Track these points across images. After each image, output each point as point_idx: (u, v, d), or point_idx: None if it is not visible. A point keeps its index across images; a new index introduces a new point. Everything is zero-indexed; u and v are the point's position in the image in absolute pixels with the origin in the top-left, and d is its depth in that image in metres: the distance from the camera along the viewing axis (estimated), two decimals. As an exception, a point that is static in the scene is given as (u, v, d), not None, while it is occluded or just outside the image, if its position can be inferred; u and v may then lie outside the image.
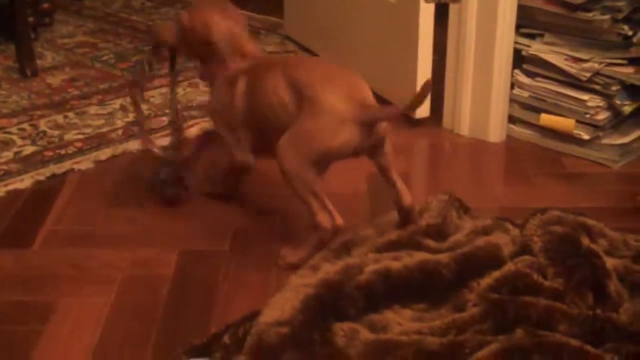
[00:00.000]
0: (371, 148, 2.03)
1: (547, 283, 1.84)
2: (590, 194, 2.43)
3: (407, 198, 2.09)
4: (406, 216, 2.12)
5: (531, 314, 1.73)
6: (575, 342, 1.65)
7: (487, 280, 1.87)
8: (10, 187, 2.46)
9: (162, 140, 2.53)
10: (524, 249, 1.98)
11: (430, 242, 2.07)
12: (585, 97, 2.58)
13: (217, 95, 2.23)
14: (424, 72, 2.80)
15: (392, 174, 2.08)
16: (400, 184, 2.09)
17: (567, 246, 1.93)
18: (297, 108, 1.99)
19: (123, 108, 3.04)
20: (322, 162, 1.99)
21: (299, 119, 1.97)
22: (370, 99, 2.01)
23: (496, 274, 1.88)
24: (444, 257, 1.94)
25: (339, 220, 2.02)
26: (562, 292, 1.81)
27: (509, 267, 1.89)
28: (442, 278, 1.90)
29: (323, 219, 2.01)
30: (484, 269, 1.91)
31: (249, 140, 2.18)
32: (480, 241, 2.03)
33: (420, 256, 1.97)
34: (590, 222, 2.07)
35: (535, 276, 1.85)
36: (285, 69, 2.05)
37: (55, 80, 3.36)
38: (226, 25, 2.19)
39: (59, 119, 2.95)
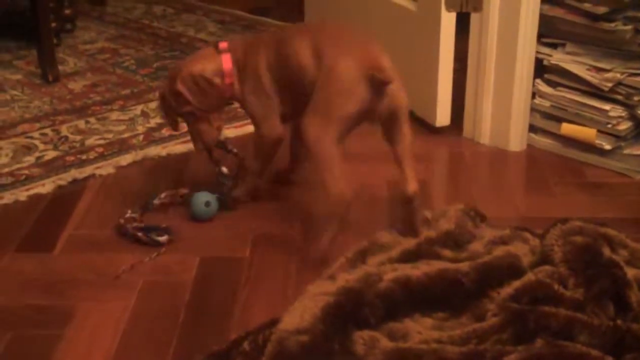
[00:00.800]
0: (388, 119, 2.07)
1: (567, 293, 1.83)
2: (611, 205, 2.41)
3: (412, 186, 2.10)
4: (407, 204, 2.12)
5: (551, 324, 1.73)
6: (595, 353, 1.65)
7: (507, 290, 1.86)
8: (32, 192, 2.47)
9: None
10: (544, 259, 1.97)
11: (448, 252, 2.06)
12: (607, 107, 2.57)
13: (240, 71, 2.26)
14: (444, 80, 2.80)
15: (405, 158, 2.10)
16: (409, 171, 2.10)
17: (588, 256, 1.93)
18: (318, 73, 2.08)
19: (144, 114, 3.05)
20: (341, 126, 2.04)
21: (317, 89, 2.05)
22: (385, 64, 2.04)
23: (516, 283, 1.87)
24: (463, 266, 1.94)
25: (348, 191, 2.04)
26: (582, 303, 1.81)
27: (529, 277, 1.88)
28: (462, 287, 1.89)
29: (334, 189, 2.03)
30: (504, 279, 1.91)
31: (278, 105, 2.25)
32: (500, 251, 2.03)
33: (439, 265, 1.96)
34: (612, 232, 2.06)
35: (555, 286, 1.85)
36: (313, 35, 2.15)
37: (77, 85, 3.37)
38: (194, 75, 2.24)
39: (81, 124, 2.97)
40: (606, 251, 1.96)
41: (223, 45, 2.28)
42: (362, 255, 2.05)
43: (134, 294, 1.99)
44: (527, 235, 2.12)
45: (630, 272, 1.91)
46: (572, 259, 1.92)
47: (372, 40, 2.13)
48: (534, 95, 2.75)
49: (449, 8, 2.71)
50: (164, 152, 2.73)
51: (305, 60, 2.12)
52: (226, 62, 2.26)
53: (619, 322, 1.76)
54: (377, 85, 2.01)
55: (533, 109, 2.76)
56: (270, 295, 1.99)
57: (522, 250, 2.03)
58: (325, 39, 2.13)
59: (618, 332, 1.73)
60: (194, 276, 2.06)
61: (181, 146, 2.75)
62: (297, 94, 2.16)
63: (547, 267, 1.92)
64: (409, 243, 2.08)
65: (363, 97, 2.01)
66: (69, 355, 1.79)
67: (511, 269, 1.94)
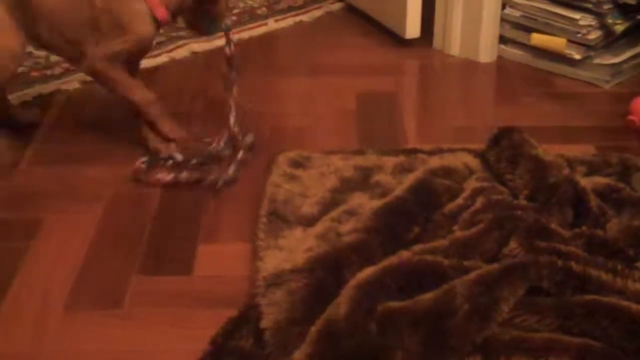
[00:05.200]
0: None
1: (524, 202, 1.82)
2: (580, 114, 2.41)
3: None
4: None
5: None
6: (571, 249, 1.66)
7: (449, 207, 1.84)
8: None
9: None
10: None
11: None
12: (576, 16, 2.55)
13: None
14: (414, -9, 2.77)
15: None
16: None
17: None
18: None
19: None
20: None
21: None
22: None
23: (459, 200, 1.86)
24: (401, 193, 1.88)
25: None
26: (542, 211, 1.79)
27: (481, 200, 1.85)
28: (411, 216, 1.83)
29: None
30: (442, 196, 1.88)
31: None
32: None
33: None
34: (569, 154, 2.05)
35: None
36: None
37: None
38: None
39: (46, 39, 2.91)
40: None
41: None
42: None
43: (102, 205, 1.98)
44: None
45: (595, 180, 1.94)
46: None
47: None
48: (504, 6, 2.72)
49: None
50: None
51: None
52: None
53: (583, 228, 1.76)
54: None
55: (503, 19, 2.73)
56: (239, 206, 1.97)
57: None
58: None
59: (584, 237, 1.73)
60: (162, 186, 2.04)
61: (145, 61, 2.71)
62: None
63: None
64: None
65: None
66: (36, 268, 1.77)
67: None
